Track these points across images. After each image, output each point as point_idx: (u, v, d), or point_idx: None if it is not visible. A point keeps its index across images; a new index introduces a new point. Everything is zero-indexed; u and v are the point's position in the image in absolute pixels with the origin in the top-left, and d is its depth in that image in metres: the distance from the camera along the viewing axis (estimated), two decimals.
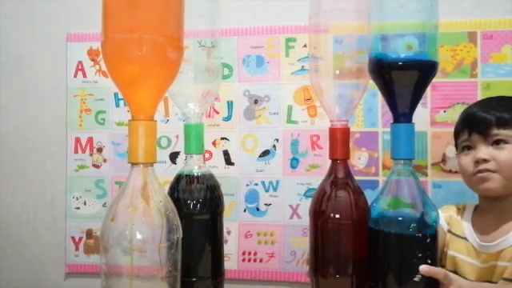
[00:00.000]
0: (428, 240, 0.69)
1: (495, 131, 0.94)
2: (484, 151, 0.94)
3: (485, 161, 0.94)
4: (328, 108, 0.78)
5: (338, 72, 0.77)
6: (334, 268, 0.74)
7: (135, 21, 0.62)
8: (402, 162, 0.72)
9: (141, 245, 0.61)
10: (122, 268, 0.62)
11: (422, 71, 0.70)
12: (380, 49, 0.70)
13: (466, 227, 1.01)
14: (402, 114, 0.71)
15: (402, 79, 0.70)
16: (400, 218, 0.70)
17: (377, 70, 0.71)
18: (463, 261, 0.98)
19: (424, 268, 0.68)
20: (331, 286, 0.74)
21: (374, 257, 0.73)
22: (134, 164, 0.63)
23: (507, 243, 0.93)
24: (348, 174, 0.76)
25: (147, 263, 0.62)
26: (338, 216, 0.73)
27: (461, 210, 1.06)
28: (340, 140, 0.76)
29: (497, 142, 0.94)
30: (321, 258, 0.75)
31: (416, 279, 0.68)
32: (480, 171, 0.95)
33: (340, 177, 0.76)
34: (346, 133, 0.77)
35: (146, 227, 0.62)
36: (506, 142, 0.93)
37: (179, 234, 0.65)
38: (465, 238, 1.00)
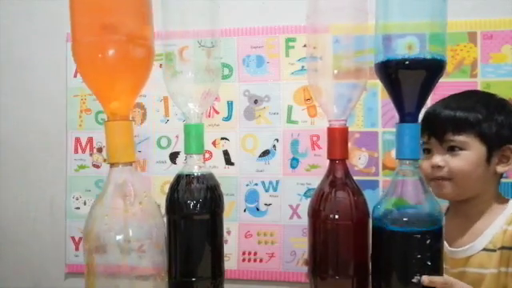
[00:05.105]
0: (428, 241, 0.69)
1: (450, 137, 0.92)
2: (439, 157, 0.93)
3: (439, 167, 0.93)
4: (326, 108, 0.78)
5: (336, 72, 0.77)
6: (332, 269, 0.74)
7: (95, 22, 0.61)
8: (407, 162, 0.71)
9: (123, 245, 0.61)
10: (104, 268, 0.62)
11: (429, 71, 0.70)
12: (386, 49, 0.70)
13: None
14: (407, 113, 0.71)
15: (408, 79, 0.70)
16: (402, 219, 0.70)
17: (383, 69, 0.71)
18: None
19: (425, 278, 0.68)
20: (330, 287, 0.74)
21: (374, 257, 0.73)
22: (113, 164, 0.63)
23: (475, 249, 0.93)
24: (347, 174, 0.76)
25: (131, 263, 0.62)
26: (336, 216, 0.73)
27: None
28: (338, 140, 0.76)
29: (452, 148, 0.92)
30: (319, 258, 0.75)
31: (414, 280, 0.68)
32: (435, 177, 0.94)
33: (339, 177, 0.76)
34: (344, 132, 0.76)
35: (127, 227, 0.62)
36: (460, 148, 0.92)
37: (162, 233, 0.65)
38: None
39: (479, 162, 0.92)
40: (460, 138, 0.92)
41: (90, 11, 0.61)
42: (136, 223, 0.63)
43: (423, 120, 1.00)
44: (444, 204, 1.06)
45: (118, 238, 0.61)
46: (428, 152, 0.97)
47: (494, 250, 0.92)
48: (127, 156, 0.63)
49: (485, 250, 0.92)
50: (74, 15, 0.63)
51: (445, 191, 0.94)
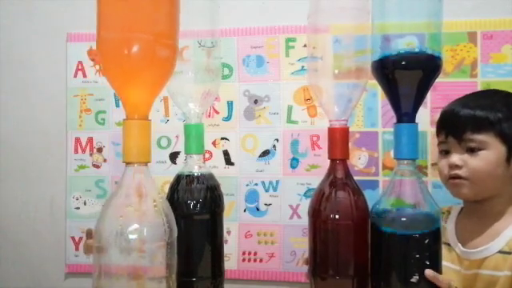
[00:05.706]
0: (426, 241, 0.69)
1: (469, 136, 0.91)
2: (457, 156, 0.93)
3: (457, 166, 0.92)
4: (327, 108, 0.78)
5: (336, 72, 0.77)
6: (333, 269, 0.74)
7: (123, 19, 0.61)
8: (405, 162, 0.71)
9: (136, 244, 0.61)
10: (115, 268, 0.62)
11: (426, 71, 0.70)
12: (383, 48, 0.70)
13: (449, 232, 1.00)
14: (405, 113, 0.71)
15: (405, 79, 0.70)
16: (400, 219, 0.70)
17: (380, 69, 0.71)
18: (447, 267, 0.95)
19: (429, 272, 0.67)
20: (330, 287, 0.74)
21: (373, 257, 0.73)
22: (128, 163, 0.63)
23: (490, 251, 0.91)
24: (347, 174, 0.76)
25: (142, 263, 0.62)
26: (337, 216, 0.73)
27: (445, 214, 1.04)
28: (339, 140, 0.76)
29: (471, 150, 0.92)
30: (320, 258, 0.75)
31: (413, 280, 0.68)
32: (452, 177, 0.94)
33: (339, 177, 0.76)
34: (345, 133, 0.76)
35: (141, 227, 0.62)
36: (479, 148, 0.91)
37: (174, 234, 0.65)
38: (447, 244, 0.98)
39: (499, 162, 0.91)
40: (479, 137, 0.91)
41: (119, 7, 0.61)
42: (150, 224, 0.63)
43: (440, 119, 0.99)
44: (457, 206, 1.05)
45: (132, 238, 0.61)
46: (445, 152, 0.96)
47: (509, 253, 0.90)
48: (143, 156, 0.63)
49: (500, 252, 0.91)
50: (101, 10, 0.62)
51: (462, 191, 0.93)
